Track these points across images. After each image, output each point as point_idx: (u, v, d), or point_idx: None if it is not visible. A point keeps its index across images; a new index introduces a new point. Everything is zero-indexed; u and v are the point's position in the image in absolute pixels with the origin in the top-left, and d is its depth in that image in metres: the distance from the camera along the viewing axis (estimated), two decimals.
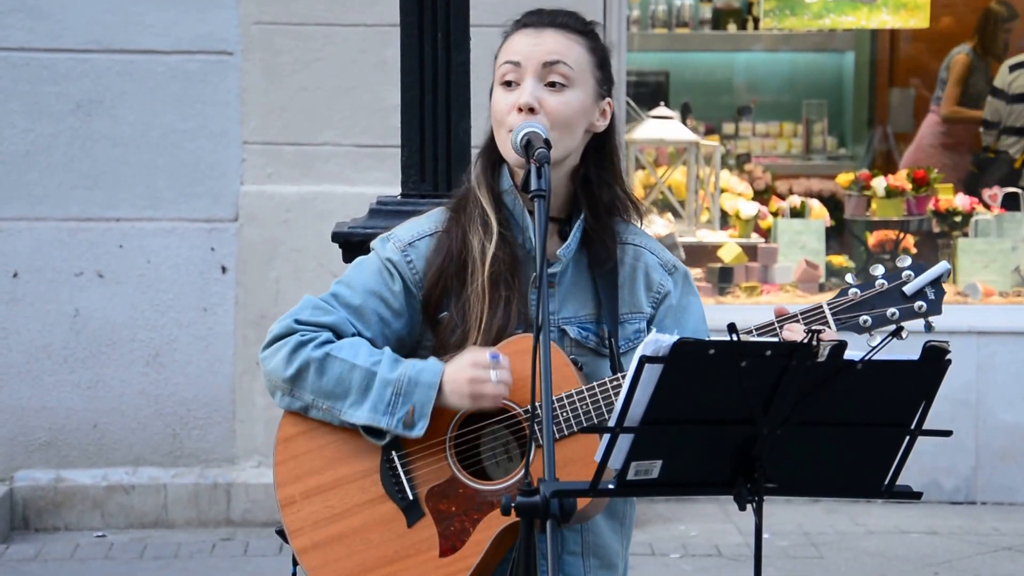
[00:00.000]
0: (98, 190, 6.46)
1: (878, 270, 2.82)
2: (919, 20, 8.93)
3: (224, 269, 6.50)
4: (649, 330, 2.87)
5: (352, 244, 3.42)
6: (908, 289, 2.79)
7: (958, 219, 7.66)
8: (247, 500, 6.43)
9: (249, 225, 6.48)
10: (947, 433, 2.50)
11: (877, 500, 6.31)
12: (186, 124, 6.45)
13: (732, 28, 9.76)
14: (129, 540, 6.27)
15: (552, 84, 2.77)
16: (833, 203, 8.11)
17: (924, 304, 2.79)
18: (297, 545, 2.81)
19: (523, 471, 2.63)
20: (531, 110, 2.74)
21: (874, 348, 2.37)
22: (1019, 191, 7.90)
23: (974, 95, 8.99)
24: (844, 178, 7.97)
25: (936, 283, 2.80)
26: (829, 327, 2.77)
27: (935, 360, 2.39)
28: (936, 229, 7.74)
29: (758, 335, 2.75)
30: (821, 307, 2.78)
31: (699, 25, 9.70)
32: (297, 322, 2.80)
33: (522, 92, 2.76)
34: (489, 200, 2.81)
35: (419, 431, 2.74)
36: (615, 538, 2.90)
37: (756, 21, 9.54)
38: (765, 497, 2.43)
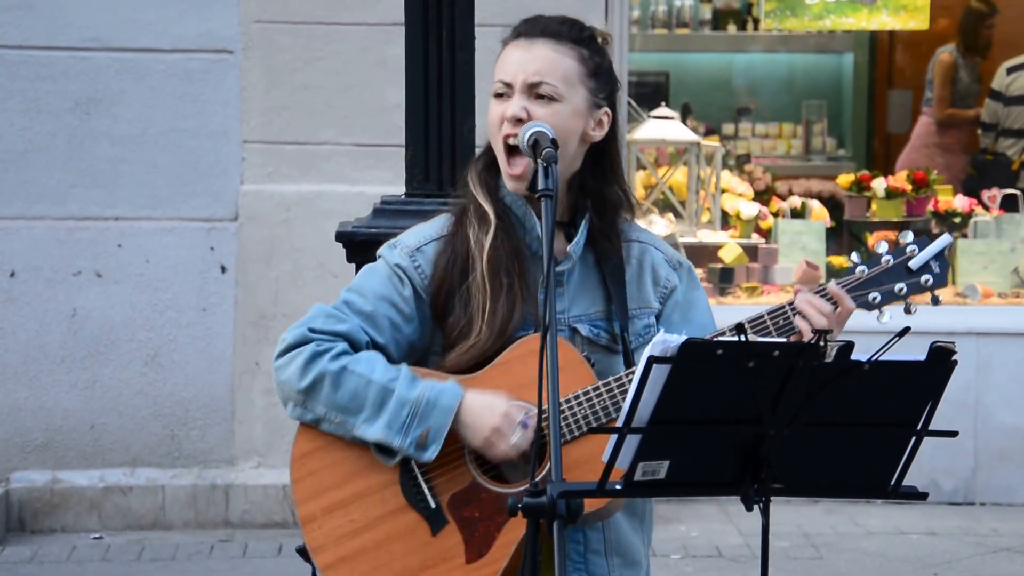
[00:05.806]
0: (97, 189, 6.44)
1: (882, 247, 2.82)
2: (919, 22, 8.93)
3: (223, 269, 6.48)
4: (658, 325, 2.88)
5: (356, 244, 3.42)
6: (913, 264, 2.80)
7: (957, 220, 7.67)
8: (246, 501, 6.41)
9: (249, 224, 6.46)
10: (953, 434, 2.51)
11: (877, 501, 6.31)
12: (186, 123, 6.43)
13: (732, 29, 9.76)
14: (126, 542, 6.24)
15: (540, 97, 2.78)
16: (833, 204, 8.11)
17: (931, 278, 2.80)
18: (321, 562, 2.78)
19: (544, 470, 2.62)
20: (519, 120, 2.76)
21: (881, 348, 2.37)
22: (1018, 193, 7.91)
23: (964, 93, 9.00)
24: (845, 179, 7.97)
25: (940, 256, 2.81)
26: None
27: (941, 361, 2.39)
28: (936, 230, 7.75)
29: (770, 319, 2.76)
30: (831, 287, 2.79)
31: (699, 26, 9.69)
32: (311, 331, 2.78)
33: (510, 104, 2.78)
34: (485, 195, 2.83)
35: (431, 455, 2.74)
36: (636, 536, 2.91)
37: (756, 22, 9.53)
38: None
